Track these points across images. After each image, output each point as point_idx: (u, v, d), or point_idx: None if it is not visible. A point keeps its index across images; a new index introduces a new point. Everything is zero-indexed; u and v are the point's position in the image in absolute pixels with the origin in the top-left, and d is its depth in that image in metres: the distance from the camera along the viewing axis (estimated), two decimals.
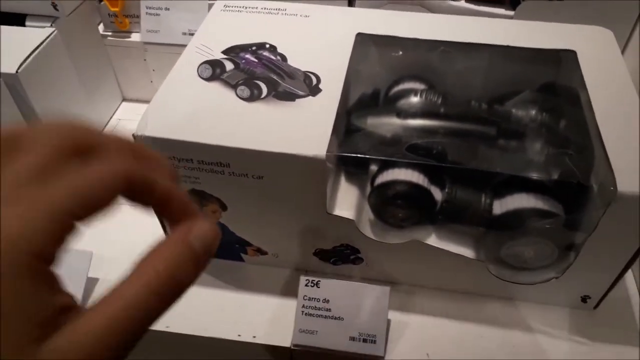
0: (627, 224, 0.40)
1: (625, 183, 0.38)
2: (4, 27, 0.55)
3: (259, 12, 0.56)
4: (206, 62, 0.49)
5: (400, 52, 0.56)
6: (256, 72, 0.48)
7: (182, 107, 0.45)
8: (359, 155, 0.45)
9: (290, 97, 0.46)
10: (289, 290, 0.49)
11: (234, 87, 0.47)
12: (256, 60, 0.50)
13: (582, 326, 0.48)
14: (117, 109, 0.73)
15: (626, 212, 0.39)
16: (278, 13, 0.56)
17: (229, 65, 0.49)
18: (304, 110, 0.44)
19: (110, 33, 0.68)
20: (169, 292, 0.20)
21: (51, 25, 0.56)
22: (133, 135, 0.43)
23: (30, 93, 0.52)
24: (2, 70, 0.49)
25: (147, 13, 0.65)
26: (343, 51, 0.51)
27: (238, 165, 0.42)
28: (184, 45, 0.66)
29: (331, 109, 0.45)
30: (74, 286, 0.48)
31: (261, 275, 0.52)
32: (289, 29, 0.54)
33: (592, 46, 0.51)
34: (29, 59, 0.51)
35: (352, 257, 0.50)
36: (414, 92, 0.52)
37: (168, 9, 0.65)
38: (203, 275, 0.52)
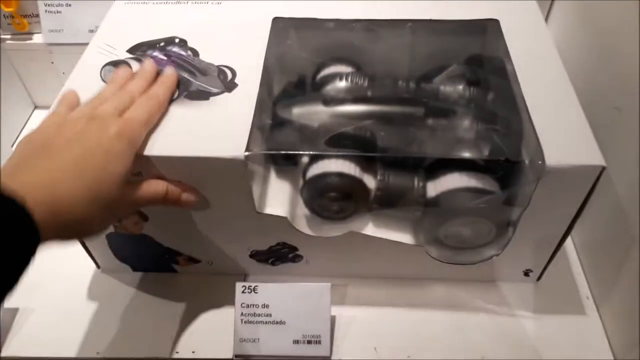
0: (559, 196, 0.40)
1: (553, 156, 0.37)
2: None
3: (166, 2, 0.52)
4: (110, 63, 0.45)
5: (322, 35, 0.53)
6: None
7: None
8: (280, 152, 0.42)
9: (203, 95, 0.43)
10: (227, 298, 0.47)
11: None
12: (165, 58, 0.46)
13: (526, 300, 0.48)
14: (29, 118, 0.68)
15: (557, 185, 0.38)
16: (187, 2, 0.52)
17: (136, 66, 0.45)
18: (219, 109, 0.41)
19: (9, 36, 0.62)
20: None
21: None
22: None
23: None
24: None
25: (46, 11, 0.59)
26: (259, 39, 0.48)
27: (152, 173, 0.39)
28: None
29: (249, 105, 0.42)
30: None
31: (196, 285, 0.49)
32: (199, 19, 0.50)
33: (515, 14, 0.50)
34: None
35: (290, 255, 0.47)
36: (339, 76, 0.50)
37: (70, 5, 0.59)
38: (134, 290, 0.49)
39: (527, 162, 0.40)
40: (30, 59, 0.63)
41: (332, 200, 0.44)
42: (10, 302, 0.45)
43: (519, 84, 0.43)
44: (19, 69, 0.64)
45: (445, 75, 0.49)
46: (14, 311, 0.46)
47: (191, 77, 0.44)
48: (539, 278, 0.49)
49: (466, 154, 0.42)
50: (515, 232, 0.43)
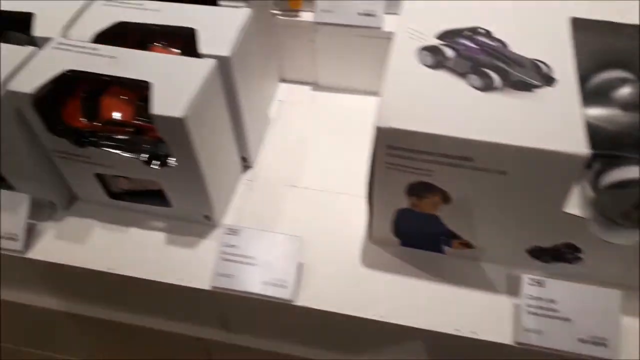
0: None
1: None
2: (202, 7, 0.54)
3: None
4: (424, 48, 0.47)
5: (613, 39, 0.52)
6: (480, 59, 0.46)
7: (417, 97, 0.43)
8: (616, 154, 0.42)
9: (525, 87, 0.44)
10: (493, 285, 0.49)
11: (462, 75, 0.45)
12: (476, 47, 0.47)
13: None
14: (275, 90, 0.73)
15: None
16: None
17: (449, 52, 0.47)
18: (546, 102, 0.42)
19: (278, 12, 0.67)
20: None
21: (247, 4, 0.55)
22: (377, 127, 0.41)
23: (236, 74, 0.51)
24: (217, 53, 0.49)
25: None
26: (561, 37, 0.48)
27: (482, 159, 0.41)
28: (358, 27, 0.65)
29: (574, 101, 0.42)
30: (285, 271, 0.49)
31: (462, 268, 0.51)
32: (492, 11, 0.51)
33: None
34: (237, 40, 0.51)
35: (570, 255, 0.48)
36: (629, 81, 0.49)
37: None
38: (400, 262, 0.51)
39: None
40: (292, 35, 0.68)
41: (632, 208, 0.44)
42: (302, 257, 0.50)
43: None
44: (280, 43, 0.69)
45: None
46: (305, 266, 0.51)
47: (508, 67, 0.45)
48: None
49: None
50: None
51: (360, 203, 0.57)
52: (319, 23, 0.65)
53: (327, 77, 0.71)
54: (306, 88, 0.73)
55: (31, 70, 0.47)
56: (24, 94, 0.46)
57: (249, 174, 0.61)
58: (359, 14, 0.64)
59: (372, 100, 0.69)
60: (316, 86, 0.73)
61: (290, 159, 0.63)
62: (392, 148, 0.42)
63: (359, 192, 0.58)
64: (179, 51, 0.54)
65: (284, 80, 0.74)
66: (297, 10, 0.67)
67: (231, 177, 0.59)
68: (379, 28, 0.63)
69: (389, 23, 0.63)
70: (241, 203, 0.58)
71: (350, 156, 0.62)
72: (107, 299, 0.59)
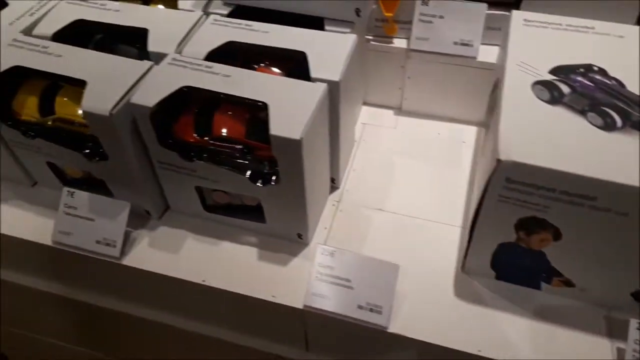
0: None
1: None
2: (310, 31, 0.55)
3: (565, 29, 0.54)
4: (539, 83, 0.47)
5: None
6: (597, 97, 0.46)
7: (537, 132, 0.43)
8: None
9: None
10: (593, 326, 0.48)
11: (581, 113, 0.45)
12: (591, 84, 0.47)
13: None
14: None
15: None
16: (587, 32, 0.53)
17: (565, 89, 0.47)
18: None
19: (371, 37, 0.68)
20: None
21: (351, 30, 0.56)
22: (498, 159, 0.41)
23: (342, 98, 0.52)
24: (328, 77, 0.50)
25: (419, 20, 0.64)
26: None
27: (606, 200, 0.40)
28: (452, 55, 0.65)
29: None
30: (382, 298, 0.49)
31: (557, 306, 0.50)
32: (607, 49, 0.51)
33: None
34: (345, 66, 0.51)
35: None
36: None
37: (442, 17, 0.63)
38: (492, 295, 0.50)
39: None
40: (383, 60, 0.68)
41: None
42: (399, 285, 0.50)
43: None
44: (369, 67, 0.70)
45: None
46: (401, 294, 0.51)
47: (627, 107, 0.45)
48: None
49: None
50: None
51: (447, 231, 0.57)
52: (413, 50, 0.66)
53: (412, 102, 0.72)
54: (389, 112, 0.73)
55: (150, 84, 0.49)
56: (144, 107, 0.48)
57: (336, 195, 0.62)
58: (455, 43, 0.64)
59: (457, 128, 0.70)
60: (398, 111, 0.73)
61: (375, 182, 0.63)
62: (511, 182, 0.42)
63: (445, 219, 0.58)
64: (280, 72, 0.56)
65: (365, 103, 0.75)
66: (391, 37, 0.67)
67: (323, 197, 0.59)
68: (474, 58, 0.63)
69: (483, 53, 0.63)
70: (328, 223, 0.58)
71: (435, 182, 0.63)
72: (187, 310, 0.60)
